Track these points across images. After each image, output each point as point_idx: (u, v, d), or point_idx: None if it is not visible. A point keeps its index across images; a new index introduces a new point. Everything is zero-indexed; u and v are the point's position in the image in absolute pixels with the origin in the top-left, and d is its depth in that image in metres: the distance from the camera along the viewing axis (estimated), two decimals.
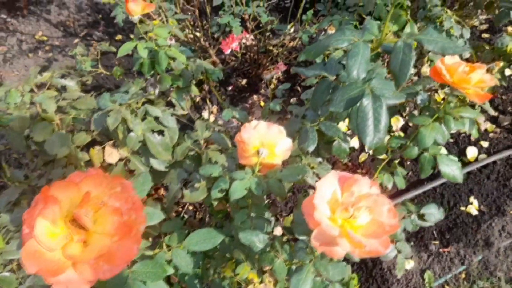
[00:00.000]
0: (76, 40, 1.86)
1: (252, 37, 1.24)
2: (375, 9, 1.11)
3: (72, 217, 0.51)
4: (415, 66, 1.54)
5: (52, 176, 0.79)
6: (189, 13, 1.67)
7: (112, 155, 0.81)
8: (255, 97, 1.80)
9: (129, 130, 0.76)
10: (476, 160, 1.68)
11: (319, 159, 0.99)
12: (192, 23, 1.73)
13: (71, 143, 0.77)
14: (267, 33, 1.63)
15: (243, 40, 1.22)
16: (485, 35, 2.13)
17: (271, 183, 0.70)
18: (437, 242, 1.53)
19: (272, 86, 1.23)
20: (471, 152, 1.68)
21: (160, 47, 0.91)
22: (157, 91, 0.85)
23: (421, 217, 0.84)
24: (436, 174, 1.65)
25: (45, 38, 1.80)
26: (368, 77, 0.69)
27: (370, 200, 0.58)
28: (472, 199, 1.60)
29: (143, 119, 0.78)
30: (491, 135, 1.75)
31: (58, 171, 0.80)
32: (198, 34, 1.72)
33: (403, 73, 0.57)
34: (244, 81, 1.80)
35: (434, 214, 0.84)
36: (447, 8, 1.72)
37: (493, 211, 1.59)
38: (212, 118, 1.76)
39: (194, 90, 1.01)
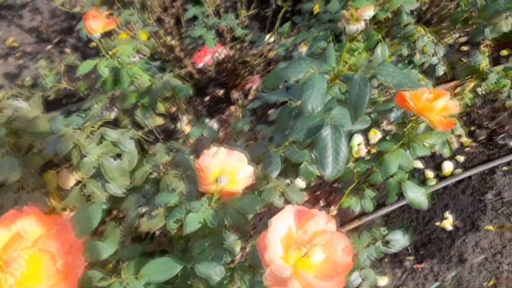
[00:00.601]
0: (49, 47, 1.80)
1: (225, 51, 1.21)
2: None
3: (2, 261, 0.48)
4: None
5: (3, 201, 0.75)
6: (166, 21, 1.64)
7: (68, 179, 0.78)
8: (232, 108, 1.78)
9: (84, 155, 0.73)
10: (452, 174, 1.68)
11: (288, 181, 0.97)
12: (169, 31, 1.70)
13: (22, 167, 0.74)
14: (245, 44, 1.60)
15: (216, 54, 1.20)
16: (464, 48, 2.15)
17: (230, 213, 0.68)
18: (411, 258, 1.53)
19: (240, 102, 1.21)
20: (447, 166, 1.68)
21: (123, 65, 0.88)
22: (113, 114, 0.82)
23: (387, 243, 0.82)
24: None
25: (16, 44, 1.75)
26: (329, 106, 0.67)
27: (325, 237, 0.56)
28: (447, 214, 1.61)
29: (100, 142, 0.75)
30: (467, 149, 1.76)
31: (10, 196, 0.76)
32: (175, 42, 1.69)
33: (360, 106, 0.55)
34: (221, 92, 1.77)
35: (399, 240, 0.83)
36: (423, 25, 1.73)
37: (467, 227, 1.59)
38: (188, 129, 1.73)
39: (161, 107, 0.98)
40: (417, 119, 0.78)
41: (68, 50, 1.78)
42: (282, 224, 0.56)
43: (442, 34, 1.88)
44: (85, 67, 0.83)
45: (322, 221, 0.57)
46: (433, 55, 1.24)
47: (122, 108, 0.97)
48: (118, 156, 0.79)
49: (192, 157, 0.88)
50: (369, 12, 0.52)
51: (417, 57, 1.21)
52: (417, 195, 0.81)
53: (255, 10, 2.11)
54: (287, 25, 1.42)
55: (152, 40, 1.42)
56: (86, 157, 0.73)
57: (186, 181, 0.80)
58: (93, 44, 1.85)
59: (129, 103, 0.93)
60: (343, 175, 0.90)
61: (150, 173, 0.80)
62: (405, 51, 1.20)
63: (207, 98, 1.77)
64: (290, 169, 0.90)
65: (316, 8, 1.34)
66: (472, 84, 1.18)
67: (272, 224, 0.55)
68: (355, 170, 0.86)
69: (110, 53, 0.86)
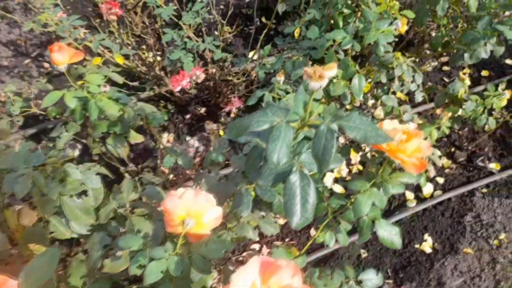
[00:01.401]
0: (27, 61, 1.76)
1: (203, 74, 1.19)
2: (326, 56, 1.09)
3: None
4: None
5: None
6: (147, 38, 1.61)
7: (29, 216, 0.75)
8: (214, 126, 1.75)
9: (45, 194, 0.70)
10: (432, 196, 1.69)
11: (262, 213, 0.96)
12: (150, 48, 1.67)
13: None
14: (227, 63, 1.59)
15: (194, 77, 1.18)
16: (445, 68, 2.17)
17: (195, 260, 0.66)
18: (391, 281, 1.53)
19: (219, 132, 1.18)
20: (427, 188, 1.69)
21: (92, 95, 0.85)
22: (77, 152, 0.79)
23: (359, 283, 0.81)
24: (392, 211, 1.66)
25: None
26: (299, 150, 0.65)
27: None
28: (426, 236, 1.61)
29: (63, 180, 0.72)
30: (447, 170, 1.77)
31: None
32: (155, 59, 1.66)
33: (325, 159, 0.54)
34: (203, 110, 1.75)
35: (372, 279, 0.81)
36: (402, 50, 1.74)
37: (446, 249, 1.59)
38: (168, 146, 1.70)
39: (133, 136, 0.96)
40: (388, 161, 0.77)
41: (46, 65, 1.73)
42: (244, 280, 0.54)
43: (424, 56, 1.90)
44: (50, 98, 0.80)
45: (287, 276, 0.55)
46: (411, 82, 1.24)
47: (93, 137, 0.95)
48: (84, 192, 0.77)
49: (164, 191, 0.85)
50: (331, 72, 0.51)
51: (396, 84, 1.21)
52: (390, 234, 0.80)
53: (239, 28, 2.10)
54: (268, 48, 1.41)
55: (132, 60, 1.39)
56: (47, 196, 0.70)
57: (154, 218, 0.78)
58: (82, 49, 1.81)
59: (100, 132, 0.90)
60: (317, 210, 0.89)
61: (117, 210, 0.77)
62: (384, 78, 1.19)
63: (188, 116, 1.75)
64: (264, 203, 0.88)
65: (296, 33, 1.33)
66: (449, 114, 1.18)
67: (233, 281, 0.53)
68: (329, 206, 0.85)
69: (78, 83, 0.84)
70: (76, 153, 0.82)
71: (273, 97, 1.09)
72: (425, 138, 1.21)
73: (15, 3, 1.76)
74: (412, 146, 0.73)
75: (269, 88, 1.06)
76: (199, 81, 1.17)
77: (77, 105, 0.86)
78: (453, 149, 1.83)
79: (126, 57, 1.34)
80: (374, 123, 0.55)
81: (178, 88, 1.16)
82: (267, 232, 0.95)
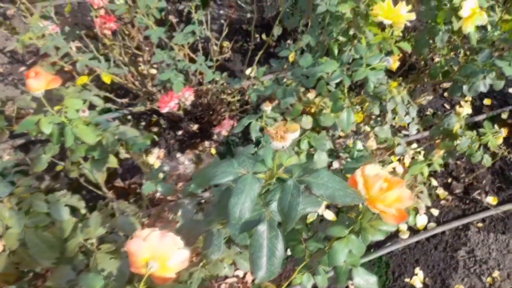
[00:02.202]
0: (22, 68, 1.75)
1: (192, 96, 1.17)
2: (317, 86, 1.07)
3: None
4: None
5: None
6: (142, 53, 1.60)
7: None
8: (206, 143, 1.73)
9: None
10: (426, 228, 1.64)
11: (238, 249, 0.93)
12: (145, 62, 1.65)
13: None
14: (220, 83, 1.57)
15: (183, 99, 1.16)
16: (447, 94, 2.13)
17: None
18: None
19: (211, 150, 1.16)
20: (421, 220, 1.64)
21: (70, 120, 0.83)
22: (44, 184, 0.77)
23: None
24: (382, 243, 1.61)
25: None
26: (270, 199, 0.62)
27: None
28: (417, 270, 1.56)
29: (28, 212, 0.69)
30: (442, 202, 1.72)
31: None
32: (151, 72, 1.65)
33: (290, 217, 0.51)
34: (195, 126, 1.73)
35: None
36: (404, 74, 1.71)
37: (437, 285, 1.55)
38: (158, 163, 1.67)
39: (113, 161, 0.93)
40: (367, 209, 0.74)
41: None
42: None
43: (424, 84, 1.86)
44: (25, 125, 0.78)
45: None
46: (405, 115, 1.21)
47: (71, 160, 0.92)
48: (52, 223, 0.74)
49: (136, 221, 0.83)
50: (294, 135, 0.48)
51: (389, 117, 1.18)
52: (367, 284, 0.76)
53: (238, 44, 2.09)
54: (262, 71, 1.39)
55: (123, 76, 1.38)
56: (11, 229, 0.67)
57: (122, 254, 0.75)
58: (70, 67, 1.80)
59: (76, 158, 0.88)
60: (295, 252, 0.85)
61: (84, 243, 0.75)
62: (376, 110, 1.16)
63: (180, 132, 1.73)
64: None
65: (291, 57, 1.31)
66: (441, 152, 1.14)
67: None
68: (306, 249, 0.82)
69: (56, 108, 0.82)
70: (44, 184, 0.80)
71: (261, 127, 1.06)
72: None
73: (14, 10, 1.76)
74: (392, 195, 0.69)
75: (256, 116, 1.04)
76: (187, 103, 1.14)
77: (54, 129, 0.84)
78: (450, 180, 1.78)
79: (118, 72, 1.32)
80: (344, 182, 0.52)
81: (166, 110, 1.14)
82: (243, 268, 0.92)
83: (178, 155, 1.69)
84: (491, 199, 1.73)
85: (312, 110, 1.14)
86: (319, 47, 1.27)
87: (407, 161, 1.76)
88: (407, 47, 1.16)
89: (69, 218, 0.74)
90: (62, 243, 0.74)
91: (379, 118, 1.23)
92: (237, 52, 2.05)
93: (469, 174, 1.80)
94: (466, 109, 2.09)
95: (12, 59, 1.76)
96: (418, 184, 1.07)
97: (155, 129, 1.73)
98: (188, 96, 1.19)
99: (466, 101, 2.16)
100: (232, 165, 0.53)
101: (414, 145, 1.64)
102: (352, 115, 0.98)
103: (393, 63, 0.93)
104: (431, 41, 1.43)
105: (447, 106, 2.09)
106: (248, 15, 2.14)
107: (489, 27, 1.48)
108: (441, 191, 1.74)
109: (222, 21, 2.15)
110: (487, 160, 1.26)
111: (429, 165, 1.12)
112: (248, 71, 1.91)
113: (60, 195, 0.75)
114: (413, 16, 1.10)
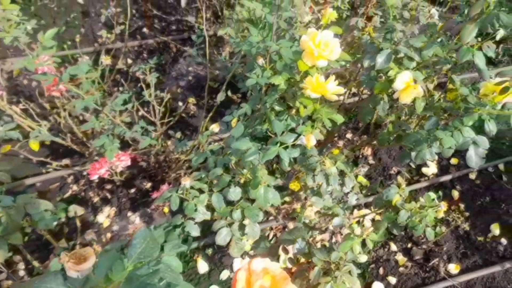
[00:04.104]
0: None
1: (127, 162, 1.16)
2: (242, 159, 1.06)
3: None
4: None
5: None
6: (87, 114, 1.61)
7: None
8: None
9: None
10: None
11: None
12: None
13: None
14: (169, 143, 1.57)
15: (113, 166, 1.14)
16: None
17: None
18: None
19: (163, 209, 1.13)
20: None
21: None
22: None
23: None
24: None
25: None
26: None
27: None
28: None
29: None
30: (401, 269, 1.65)
31: None
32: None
33: None
34: (149, 185, 1.71)
35: None
36: (361, 134, 1.69)
37: None
38: (107, 222, 1.64)
39: (18, 238, 0.91)
40: None
41: None
42: None
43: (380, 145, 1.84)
44: None
45: None
46: (340, 186, 1.18)
47: None
48: None
49: None
50: (86, 265, 0.46)
51: (323, 188, 1.16)
52: None
53: (203, 100, 2.12)
54: (207, 133, 1.39)
55: (62, 137, 1.38)
56: None
57: None
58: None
59: None
60: None
61: None
62: (310, 181, 1.14)
63: (133, 190, 1.71)
64: None
65: (233, 123, 1.32)
66: (369, 230, 1.11)
67: None
68: None
69: None
70: None
71: (182, 199, 1.04)
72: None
73: None
74: None
75: (176, 188, 1.02)
76: (118, 170, 1.13)
77: None
78: (410, 245, 1.72)
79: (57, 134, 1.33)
80: None
81: (95, 177, 1.12)
82: None
83: (129, 213, 1.66)
84: (453, 267, 1.66)
85: (242, 181, 1.12)
86: (259, 114, 1.28)
87: (367, 223, 1.71)
88: (340, 119, 1.16)
89: None
90: None
91: (314, 188, 1.21)
92: (201, 108, 2.08)
93: (430, 240, 1.73)
94: (431, 169, 2.08)
95: None
96: (346, 263, 1.02)
97: (108, 186, 1.71)
98: (122, 162, 1.18)
99: (432, 160, 2.13)
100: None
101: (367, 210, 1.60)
102: (269, 191, 0.96)
103: (308, 142, 0.92)
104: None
105: (413, 166, 2.06)
106: (217, 72, 2.19)
107: (436, 94, 1.49)
108: (400, 257, 1.67)
109: (190, 77, 2.19)
110: (430, 234, 1.21)
111: (362, 242, 1.08)
112: (212, 127, 1.92)
113: None
114: (341, 90, 1.11)
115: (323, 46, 1.09)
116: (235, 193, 1.08)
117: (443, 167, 2.07)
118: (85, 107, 1.13)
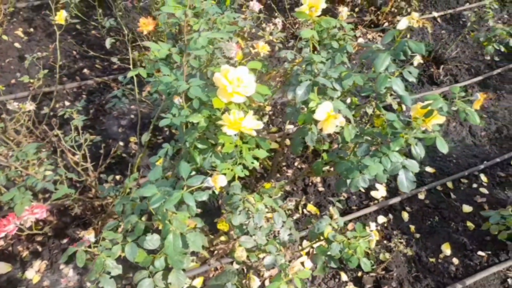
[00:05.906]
0: None
1: (42, 215, 1.08)
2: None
3: None
4: None
5: None
6: None
7: None
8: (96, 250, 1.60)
9: None
10: None
11: None
12: None
13: None
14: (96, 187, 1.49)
15: (22, 221, 1.06)
16: None
17: None
18: None
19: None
20: None
21: None
22: None
23: None
24: None
25: None
26: None
27: None
28: None
29: None
30: None
31: None
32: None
33: None
34: (83, 233, 1.61)
35: None
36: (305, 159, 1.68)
37: None
38: (37, 278, 1.52)
39: None
40: None
41: None
42: None
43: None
44: None
45: None
46: (272, 223, 1.14)
47: None
48: None
49: None
50: None
51: (251, 226, 1.12)
52: None
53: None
54: (133, 177, 1.33)
55: None
56: None
57: None
58: None
59: None
60: None
61: None
62: (235, 221, 1.10)
63: (65, 240, 1.60)
64: None
65: (158, 163, 1.27)
66: (294, 269, 1.06)
67: None
68: None
69: None
70: None
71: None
72: None
73: None
74: None
75: (83, 243, 0.95)
76: (26, 225, 1.05)
77: None
78: (360, 273, 1.68)
79: None
80: None
81: (2, 235, 1.04)
82: None
83: (62, 266, 1.55)
84: None
85: (161, 227, 1.06)
86: (184, 153, 1.24)
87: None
88: (262, 154, 1.14)
89: None
90: None
91: (243, 227, 1.16)
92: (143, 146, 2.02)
93: (381, 264, 1.70)
94: (380, 192, 2.08)
95: None
96: None
97: (39, 238, 1.60)
98: (35, 215, 1.10)
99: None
100: None
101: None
102: (179, 240, 0.90)
103: (215, 183, 0.88)
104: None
105: (364, 190, 2.05)
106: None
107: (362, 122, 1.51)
108: (351, 287, 1.63)
109: (133, 115, 2.15)
110: (365, 265, 1.18)
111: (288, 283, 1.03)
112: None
113: None
114: (260, 126, 1.09)
115: (236, 82, 1.07)
116: (152, 241, 1.02)
117: (392, 189, 2.08)
118: None
